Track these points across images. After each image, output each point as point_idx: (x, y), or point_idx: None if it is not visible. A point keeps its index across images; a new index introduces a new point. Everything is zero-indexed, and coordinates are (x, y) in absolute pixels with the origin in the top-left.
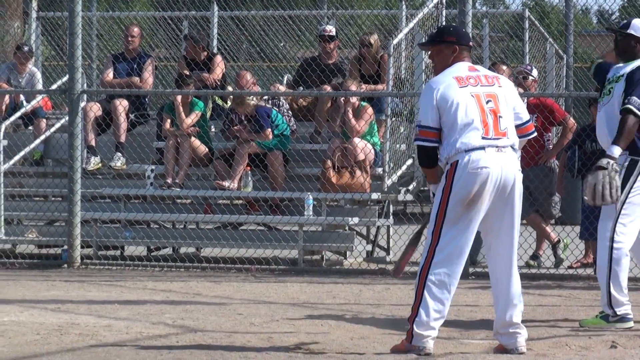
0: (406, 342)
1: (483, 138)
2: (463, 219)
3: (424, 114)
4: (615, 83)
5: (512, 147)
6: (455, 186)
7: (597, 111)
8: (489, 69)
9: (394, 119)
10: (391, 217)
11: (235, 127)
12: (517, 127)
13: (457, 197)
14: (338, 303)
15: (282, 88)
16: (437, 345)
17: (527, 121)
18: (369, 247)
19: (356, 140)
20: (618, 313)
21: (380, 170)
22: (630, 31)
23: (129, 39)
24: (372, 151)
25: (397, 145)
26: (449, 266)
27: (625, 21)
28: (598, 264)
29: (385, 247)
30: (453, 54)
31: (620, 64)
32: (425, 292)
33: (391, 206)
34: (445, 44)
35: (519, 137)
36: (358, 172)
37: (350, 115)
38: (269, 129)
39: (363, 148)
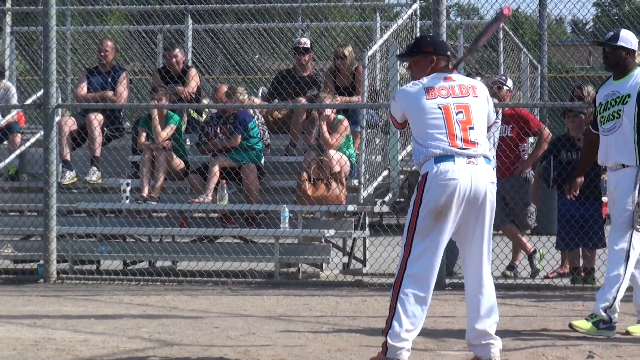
0: (381, 354)
1: (451, 147)
2: (434, 230)
3: (395, 113)
4: (622, 105)
5: (484, 157)
6: (424, 198)
7: (599, 136)
8: None
9: (369, 130)
10: (367, 228)
11: (211, 141)
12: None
13: (427, 209)
14: (315, 315)
15: (257, 101)
16: (413, 356)
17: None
18: (346, 259)
19: (332, 152)
20: (613, 320)
21: (356, 182)
22: (620, 43)
23: (102, 53)
24: (348, 163)
25: (373, 157)
26: (422, 278)
27: (612, 33)
28: (611, 273)
29: (362, 259)
30: (431, 64)
31: (612, 82)
32: (399, 305)
33: (367, 218)
34: (423, 55)
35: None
36: (334, 184)
37: (325, 129)
38: (239, 136)
39: (339, 160)
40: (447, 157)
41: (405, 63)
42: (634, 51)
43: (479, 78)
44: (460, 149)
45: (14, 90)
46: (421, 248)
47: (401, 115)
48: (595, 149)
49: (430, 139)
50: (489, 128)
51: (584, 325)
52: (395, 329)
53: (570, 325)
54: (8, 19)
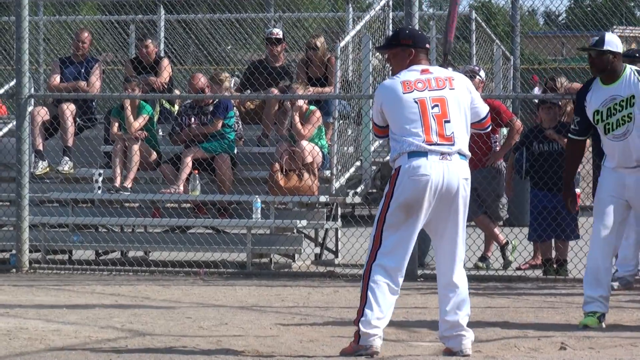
0: (354, 343)
1: (425, 143)
2: (404, 224)
3: (375, 114)
4: (631, 107)
5: (459, 153)
6: (395, 191)
7: (611, 141)
8: None
9: (341, 121)
10: (339, 219)
11: (185, 129)
12: (476, 122)
13: (397, 203)
14: (287, 306)
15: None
16: (385, 347)
17: (486, 116)
18: (318, 250)
19: (304, 143)
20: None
21: (328, 172)
22: (607, 47)
23: (80, 44)
24: (320, 154)
25: (345, 148)
26: (392, 270)
27: (596, 38)
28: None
29: (334, 249)
30: (409, 57)
31: (603, 87)
32: (369, 293)
33: (339, 209)
34: (402, 47)
35: (473, 129)
36: (306, 175)
37: (297, 120)
38: (221, 121)
39: (311, 151)
40: (421, 153)
41: (378, 54)
42: (620, 54)
43: (450, 68)
44: (434, 144)
45: None
46: (392, 241)
47: (379, 111)
48: (580, 155)
49: (406, 134)
50: (484, 123)
51: (592, 321)
52: (367, 316)
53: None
54: None
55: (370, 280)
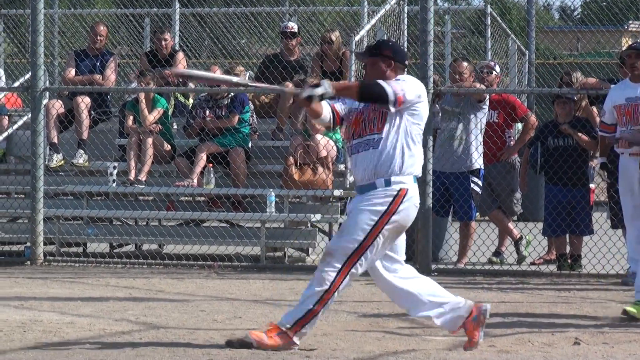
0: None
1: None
2: (389, 242)
3: (411, 89)
4: None
5: None
6: (398, 213)
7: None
8: (450, 65)
9: None
10: None
11: (199, 120)
12: None
13: (397, 223)
14: None
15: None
16: (399, 341)
17: None
18: None
19: (318, 137)
20: None
21: (342, 166)
22: None
23: (98, 37)
24: (335, 148)
25: None
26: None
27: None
28: None
29: None
30: (388, 69)
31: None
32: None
33: None
34: (382, 57)
35: None
36: (320, 169)
37: None
38: (237, 116)
39: (325, 145)
40: (418, 180)
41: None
42: None
43: (465, 63)
44: None
45: (1, 72)
46: (374, 253)
47: (415, 97)
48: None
49: (419, 152)
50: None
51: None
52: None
53: (625, 312)
54: None
55: (350, 273)
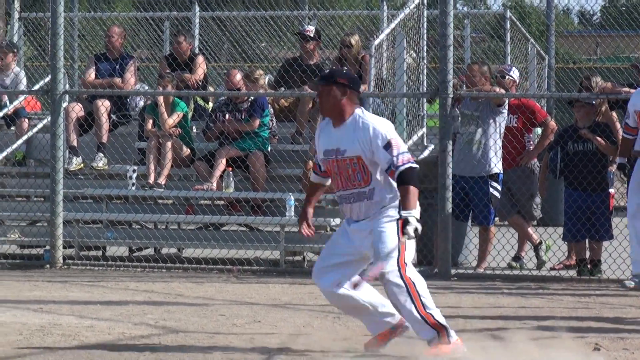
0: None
1: None
2: None
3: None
4: None
5: None
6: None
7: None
8: (465, 69)
9: None
10: None
11: (219, 124)
12: None
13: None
14: (320, 304)
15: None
16: (418, 346)
17: None
18: None
19: None
20: None
21: None
22: None
23: (111, 39)
24: None
25: None
26: None
27: None
28: None
29: None
30: (344, 96)
31: None
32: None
33: None
34: (337, 85)
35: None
36: None
37: None
38: (258, 120)
39: None
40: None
41: (412, 52)
42: None
43: (477, 66)
44: None
45: (22, 75)
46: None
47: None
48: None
49: None
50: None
51: None
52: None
53: None
54: (17, 4)
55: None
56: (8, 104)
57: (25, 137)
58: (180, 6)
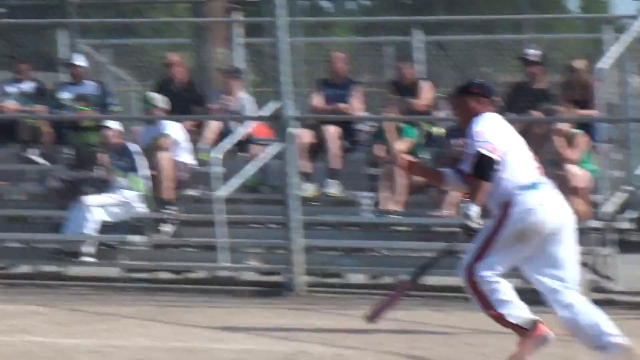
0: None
1: None
2: None
3: None
4: None
5: None
6: None
7: None
8: None
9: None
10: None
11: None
12: None
13: None
14: None
15: None
16: None
17: None
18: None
19: (570, 166)
20: None
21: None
22: None
23: (335, 64)
24: (589, 178)
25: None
26: None
27: None
28: None
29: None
30: (478, 105)
31: None
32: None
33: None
34: (470, 95)
35: None
36: (575, 200)
37: (561, 143)
38: None
39: (580, 175)
40: None
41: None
42: None
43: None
44: None
45: (249, 101)
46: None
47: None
48: None
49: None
50: None
51: None
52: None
53: None
54: (240, 30)
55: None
56: (232, 129)
57: (259, 164)
58: (399, 30)
